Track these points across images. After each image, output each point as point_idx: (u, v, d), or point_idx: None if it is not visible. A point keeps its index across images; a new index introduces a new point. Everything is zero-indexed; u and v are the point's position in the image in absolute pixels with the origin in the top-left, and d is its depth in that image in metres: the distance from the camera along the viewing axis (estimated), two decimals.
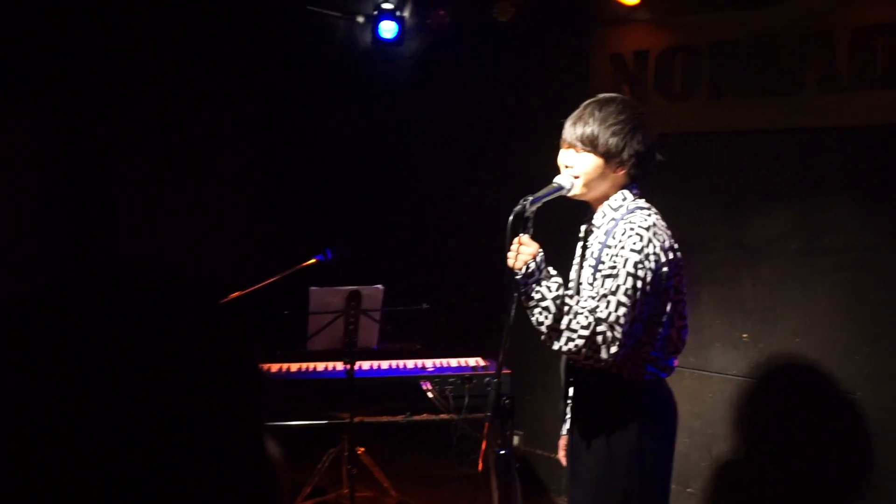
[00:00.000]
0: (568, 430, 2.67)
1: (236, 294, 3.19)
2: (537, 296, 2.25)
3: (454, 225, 4.77)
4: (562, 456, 2.80)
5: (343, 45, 5.12)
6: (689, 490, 3.80)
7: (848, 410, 3.40)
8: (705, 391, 3.79)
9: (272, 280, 3.39)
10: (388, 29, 4.77)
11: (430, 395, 3.25)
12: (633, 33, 4.00)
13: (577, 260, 2.56)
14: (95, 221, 4.17)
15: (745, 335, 3.68)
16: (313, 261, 3.53)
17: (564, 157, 2.43)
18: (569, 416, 2.71)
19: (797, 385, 3.54)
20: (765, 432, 3.63)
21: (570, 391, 2.60)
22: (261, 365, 0.66)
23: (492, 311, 4.48)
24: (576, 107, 2.47)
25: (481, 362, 3.63)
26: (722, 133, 3.74)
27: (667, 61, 3.88)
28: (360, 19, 5.07)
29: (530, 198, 2.30)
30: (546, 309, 2.23)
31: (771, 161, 3.62)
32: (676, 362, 2.48)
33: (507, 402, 2.25)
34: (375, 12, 4.79)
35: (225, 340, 0.63)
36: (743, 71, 3.66)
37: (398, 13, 4.80)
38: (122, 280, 0.63)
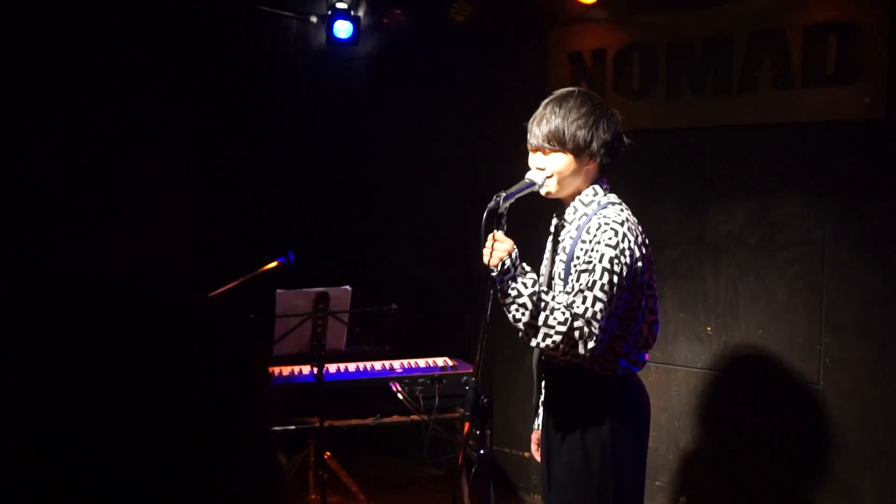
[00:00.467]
0: (540, 426, 2.67)
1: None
2: (514, 293, 2.24)
3: (410, 225, 4.74)
4: (535, 451, 2.79)
5: (297, 46, 5.05)
6: (657, 483, 3.84)
7: (810, 400, 3.47)
8: (671, 385, 3.84)
9: (234, 284, 3.31)
10: (342, 29, 4.72)
11: (399, 396, 3.21)
12: (590, 32, 4.03)
13: (547, 255, 2.56)
14: (39, 228, 4.03)
15: (708, 328, 3.74)
16: (275, 263, 3.47)
17: (535, 160, 2.42)
18: (541, 411, 2.71)
19: (760, 376, 3.60)
20: (730, 423, 3.68)
21: (542, 386, 2.60)
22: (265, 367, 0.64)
23: (455, 310, 4.48)
24: (535, 105, 2.47)
25: (449, 362, 3.61)
26: (680, 130, 3.79)
27: (624, 60, 3.92)
28: (314, 19, 5.01)
29: (503, 194, 2.28)
30: (523, 305, 2.22)
31: (728, 157, 3.68)
32: (647, 356, 2.50)
33: (485, 401, 2.23)
34: (329, 12, 4.73)
35: (230, 343, 0.60)
36: (699, 69, 3.72)
37: (352, 13, 4.75)
38: (115, 286, 0.60)
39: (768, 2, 3.52)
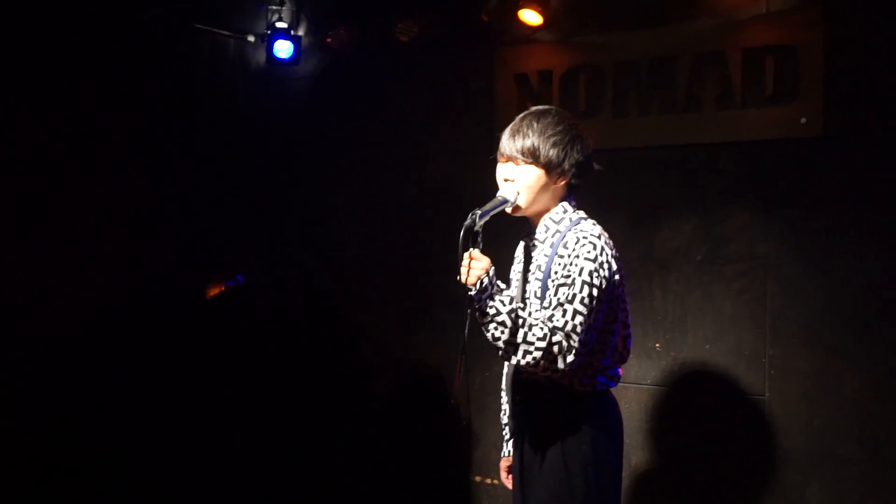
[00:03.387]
0: (511, 451, 2.63)
1: None
2: (492, 311, 2.20)
3: (354, 243, 4.66)
4: (505, 478, 2.75)
5: (235, 65, 4.93)
6: None
7: (757, 411, 3.55)
8: (621, 402, 3.77)
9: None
10: (282, 49, 4.64)
11: None
12: (536, 53, 4.07)
13: (517, 276, 2.55)
14: None
15: (657, 344, 3.79)
16: (223, 288, 3.36)
17: (504, 170, 2.42)
18: (508, 436, 2.67)
19: (709, 390, 3.67)
20: (681, 438, 3.73)
21: (509, 409, 2.56)
22: None
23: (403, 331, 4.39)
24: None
25: None
26: (626, 149, 3.86)
27: (570, 80, 3.98)
28: (251, 38, 4.91)
29: (478, 211, 2.25)
30: (502, 324, 2.19)
31: (673, 175, 3.77)
32: (621, 371, 2.51)
33: (465, 423, 2.18)
34: (269, 31, 4.64)
35: None
36: (644, 89, 3.80)
37: (293, 32, 4.68)
38: None
39: (710, 23, 3.63)
